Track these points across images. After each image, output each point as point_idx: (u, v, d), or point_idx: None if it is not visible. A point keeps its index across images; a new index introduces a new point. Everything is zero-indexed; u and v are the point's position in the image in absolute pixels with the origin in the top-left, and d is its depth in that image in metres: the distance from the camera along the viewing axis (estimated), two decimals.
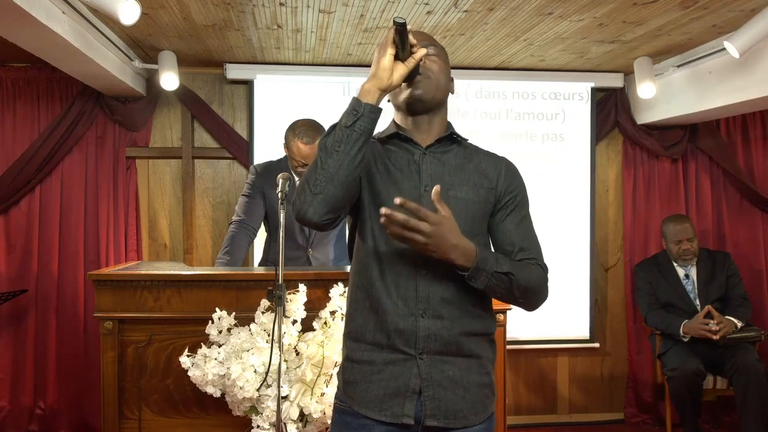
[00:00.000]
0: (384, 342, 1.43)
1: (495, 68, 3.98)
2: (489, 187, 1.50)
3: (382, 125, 1.58)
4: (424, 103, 1.48)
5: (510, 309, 2.45)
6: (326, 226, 1.40)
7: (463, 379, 1.43)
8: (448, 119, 1.57)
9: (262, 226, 3.05)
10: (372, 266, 1.45)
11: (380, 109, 1.38)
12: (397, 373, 1.42)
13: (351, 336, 1.50)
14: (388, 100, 1.56)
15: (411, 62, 1.40)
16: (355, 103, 1.37)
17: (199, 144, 4.00)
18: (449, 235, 1.32)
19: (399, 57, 1.40)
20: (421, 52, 1.41)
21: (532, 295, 1.45)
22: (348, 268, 1.96)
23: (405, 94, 1.47)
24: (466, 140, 1.56)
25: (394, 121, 1.57)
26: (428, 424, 1.41)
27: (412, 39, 1.38)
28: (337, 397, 1.53)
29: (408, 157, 1.50)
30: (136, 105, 3.85)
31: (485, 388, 1.48)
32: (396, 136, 1.53)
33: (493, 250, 1.52)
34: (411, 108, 1.49)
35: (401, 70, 1.40)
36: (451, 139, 1.53)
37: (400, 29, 1.34)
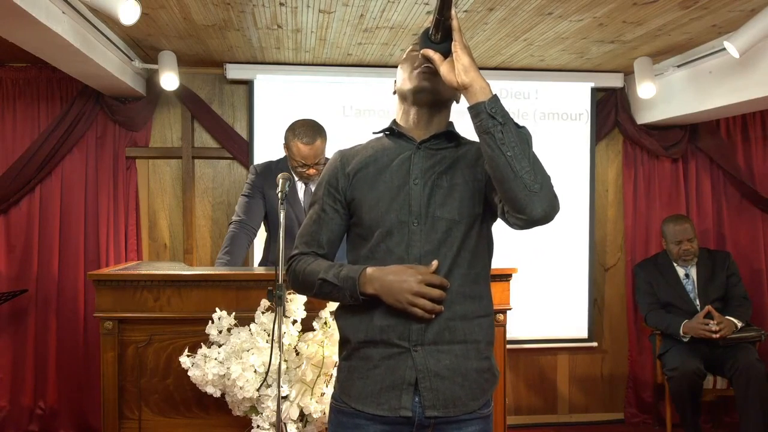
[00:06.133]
0: (378, 338, 1.42)
1: (495, 68, 3.97)
2: (482, 168, 1.45)
3: (382, 125, 1.58)
4: (431, 94, 1.46)
5: (510, 309, 2.45)
6: None
7: (461, 367, 1.42)
8: (450, 119, 1.55)
9: (262, 226, 3.05)
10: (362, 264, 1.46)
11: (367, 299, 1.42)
12: (393, 366, 1.41)
13: (345, 338, 1.50)
14: (394, 92, 1.56)
15: None
16: (353, 289, 1.41)
17: (199, 144, 4.00)
18: (473, 60, 1.35)
19: (430, 35, 1.37)
20: None
21: (545, 177, 1.37)
22: None
23: (414, 82, 1.46)
24: (465, 139, 1.54)
25: (394, 120, 1.56)
26: (429, 415, 1.40)
27: (454, 12, 1.32)
28: (333, 397, 1.53)
29: (400, 152, 1.49)
30: (136, 105, 3.85)
31: (485, 373, 1.46)
32: (390, 131, 1.53)
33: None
34: (416, 98, 1.47)
35: None
36: (448, 137, 1.51)
37: None
